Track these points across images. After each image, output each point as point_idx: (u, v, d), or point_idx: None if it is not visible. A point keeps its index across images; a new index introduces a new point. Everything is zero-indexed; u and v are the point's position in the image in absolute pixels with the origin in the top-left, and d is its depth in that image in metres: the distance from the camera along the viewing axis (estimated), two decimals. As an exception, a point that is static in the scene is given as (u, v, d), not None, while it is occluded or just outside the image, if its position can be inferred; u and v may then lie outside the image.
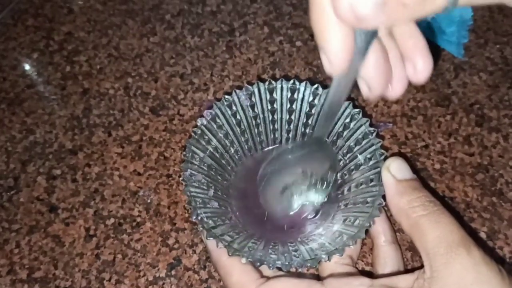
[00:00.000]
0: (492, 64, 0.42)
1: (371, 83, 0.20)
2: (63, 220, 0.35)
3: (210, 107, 0.30)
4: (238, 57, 0.44)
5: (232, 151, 0.32)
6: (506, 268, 0.22)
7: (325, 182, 0.30)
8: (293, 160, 0.29)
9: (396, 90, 0.21)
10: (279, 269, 0.25)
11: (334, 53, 0.17)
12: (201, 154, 0.29)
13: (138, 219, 0.35)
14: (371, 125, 0.29)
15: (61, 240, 0.34)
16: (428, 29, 0.42)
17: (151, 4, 0.48)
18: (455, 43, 0.42)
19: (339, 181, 0.31)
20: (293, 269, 0.25)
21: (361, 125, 0.29)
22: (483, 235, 0.33)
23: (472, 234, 0.26)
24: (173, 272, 0.33)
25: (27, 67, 0.45)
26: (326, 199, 0.30)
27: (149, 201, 0.36)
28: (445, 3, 0.15)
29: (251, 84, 0.31)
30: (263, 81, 0.31)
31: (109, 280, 0.33)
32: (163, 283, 0.32)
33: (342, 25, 0.16)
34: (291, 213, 0.31)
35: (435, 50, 0.42)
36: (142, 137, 0.39)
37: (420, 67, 0.20)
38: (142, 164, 0.38)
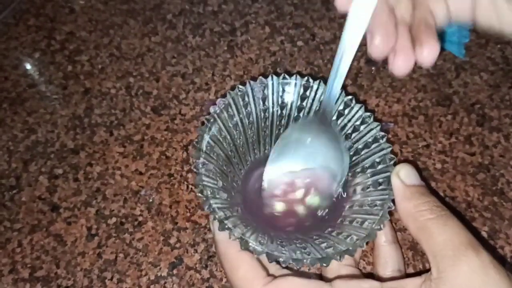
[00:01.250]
0: (493, 64, 0.42)
1: (374, 35, 0.22)
2: (65, 219, 0.35)
3: (212, 106, 0.30)
4: (240, 56, 0.44)
5: (239, 143, 0.31)
6: (507, 267, 0.22)
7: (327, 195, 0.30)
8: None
9: (400, 64, 0.23)
10: (282, 266, 0.25)
11: None
12: (212, 143, 0.29)
13: (140, 219, 0.35)
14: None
15: (63, 239, 0.34)
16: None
17: (152, 4, 0.48)
18: (456, 43, 0.42)
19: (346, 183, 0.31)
20: (303, 268, 0.25)
21: (371, 129, 0.29)
22: (484, 234, 0.33)
23: (474, 233, 0.26)
24: (174, 271, 0.33)
25: (28, 66, 0.45)
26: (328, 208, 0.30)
27: (150, 200, 0.36)
28: None
29: None
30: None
31: (111, 279, 0.33)
32: (165, 282, 0.32)
33: None
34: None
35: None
36: (144, 136, 0.39)
37: (425, 52, 0.23)
38: (143, 163, 0.38)
